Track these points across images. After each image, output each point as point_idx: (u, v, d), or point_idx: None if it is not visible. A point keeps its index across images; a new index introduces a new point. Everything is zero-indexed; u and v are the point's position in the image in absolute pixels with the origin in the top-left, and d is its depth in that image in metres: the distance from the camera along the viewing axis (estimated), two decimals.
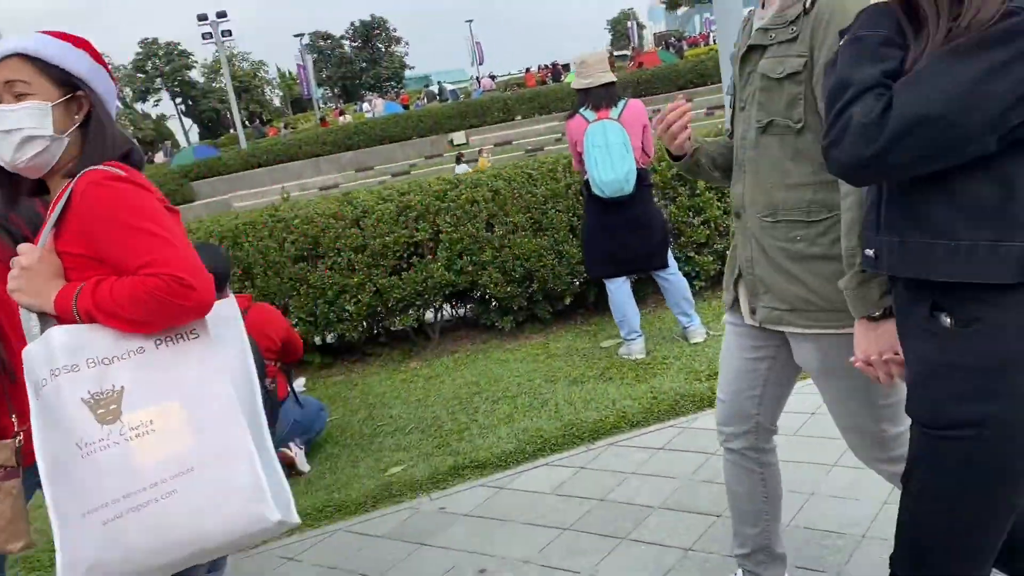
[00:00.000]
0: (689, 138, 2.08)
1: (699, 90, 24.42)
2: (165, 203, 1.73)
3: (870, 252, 1.46)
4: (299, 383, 5.48)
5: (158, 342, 1.60)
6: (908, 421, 2.00)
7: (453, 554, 3.02)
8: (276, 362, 4.00)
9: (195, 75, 66.25)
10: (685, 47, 40.47)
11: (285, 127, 39.84)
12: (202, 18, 37.20)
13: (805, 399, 3.64)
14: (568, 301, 5.75)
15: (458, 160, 20.46)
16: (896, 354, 1.63)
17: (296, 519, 1.64)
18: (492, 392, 4.65)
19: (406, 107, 37.55)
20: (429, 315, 6.00)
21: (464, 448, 3.94)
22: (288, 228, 5.68)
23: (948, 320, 1.35)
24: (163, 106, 68.79)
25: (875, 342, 1.65)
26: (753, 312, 2.03)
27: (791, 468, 3.09)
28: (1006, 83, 1.21)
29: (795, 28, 1.82)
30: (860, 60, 1.33)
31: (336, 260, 5.56)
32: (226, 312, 1.72)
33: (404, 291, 5.51)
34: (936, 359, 1.38)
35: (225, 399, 1.58)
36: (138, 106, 62.05)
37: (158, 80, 63.16)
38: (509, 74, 55.93)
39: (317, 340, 5.90)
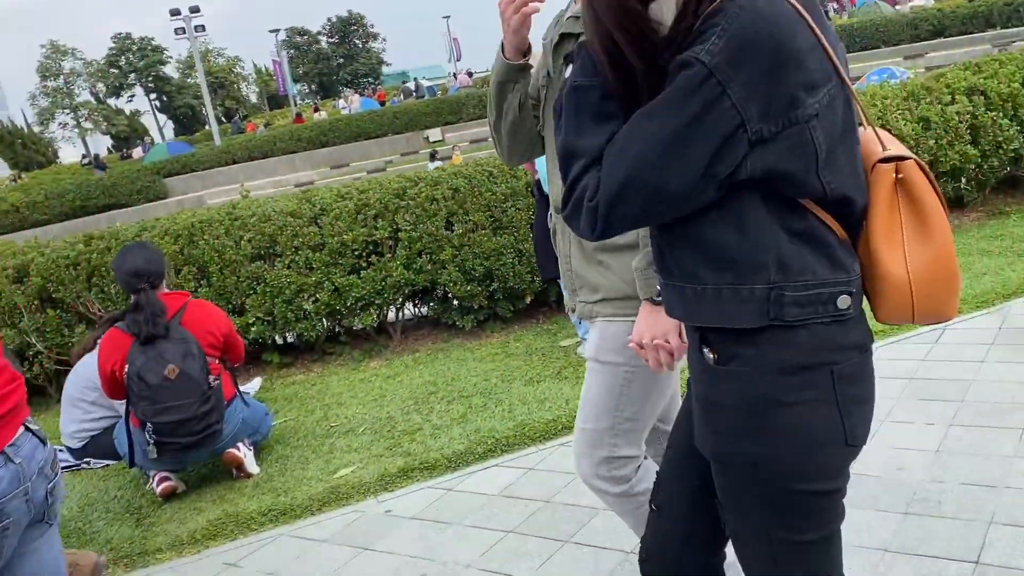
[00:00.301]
0: (528, 41, 1.93)
1: None
2: None
3: (658, 289, 1.45)
4: (255, 383, 5.42)
5: None
6: (641, 451, 2.05)
7: (395, 558, 2.98)
8: (219, 359, 3.93)
9: (170, 71, 65.60)
10: None
11: (266, 125, 39.53)
12: (175, 13, 36.83)
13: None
14: (529, 300, 5.71)
15: (432, 157, 20.45)
16: (668, 342, 1.63)
17: None
18: (448, 392, 4.61)
19: (383, 103, 37.36)
20: (393, 314, 5.95)
21: (415, 449, 3.89)
22: (245, 226, 5.60)
23: (711, 356, 1.31)
24: (137, 102, 67.94)
25: (651, 326, 1.66)
26: (573, 310, 2.07)
27: None
28: (697, 140, 1.15)
29: None
30: (583, 122, 1.26)
31: (294, 259, 5.48)
32: None
33: (363, 290, 5.45)
34: (706, 394, 1.35)
35: None
36: (112, 102, 61.30)
37: (132, 76, 62.46)
38: (487, 70, 55.83)
39: (278, 339, 5.83)
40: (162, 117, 67.09)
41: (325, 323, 5.71)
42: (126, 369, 3.69)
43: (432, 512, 3.28)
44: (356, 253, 5.51)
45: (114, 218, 21.25)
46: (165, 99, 65.49)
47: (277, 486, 3.77)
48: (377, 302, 5.59)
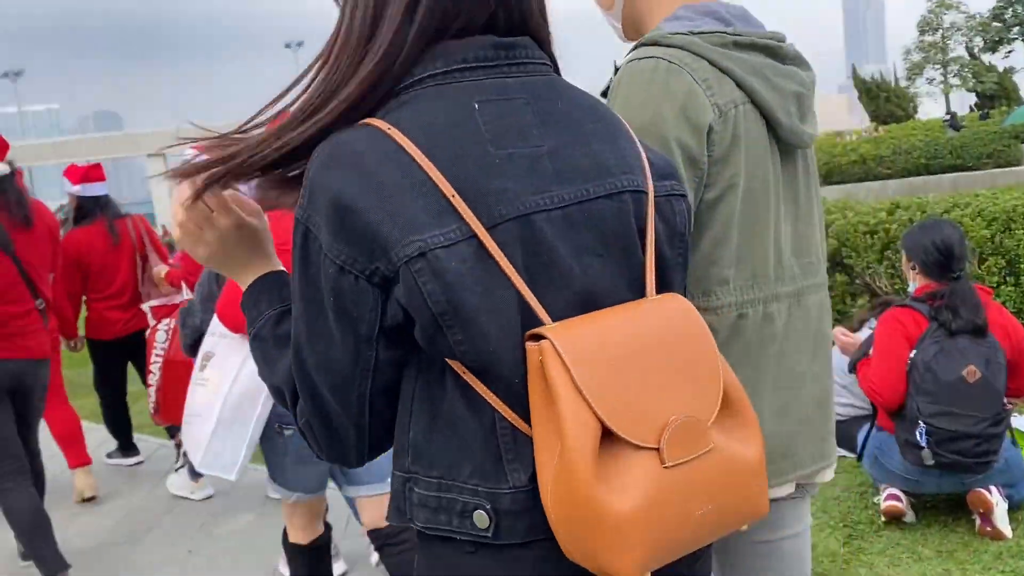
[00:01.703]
0: None
1: None
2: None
3: None
4: None
5: (231, 336, 2.35)
6: None
7: None
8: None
9: None
10: None
11: None
12: None
13: None
14: None
15: None
16: None
17: (231, 477, 2.34)
18: None
19: None
20: None
21: None
22: None
23: None
24: (1015, 58, 63.11)
25: None
26: None
27: None
28: (323, 304, 0.91)
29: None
30: (268, 357, 1.07)
31: None
32: None
33: None
34: None
35: (228, 384, 2.33)
36: (986, 57, 58.42)
37: (1015, 30, 58.13)
38: None
39: None
40: None
41: None
42: (911, 354, 3.22)
43: None
44: None
45: (957, 181, 20.26)
46: None
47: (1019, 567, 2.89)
48: None
